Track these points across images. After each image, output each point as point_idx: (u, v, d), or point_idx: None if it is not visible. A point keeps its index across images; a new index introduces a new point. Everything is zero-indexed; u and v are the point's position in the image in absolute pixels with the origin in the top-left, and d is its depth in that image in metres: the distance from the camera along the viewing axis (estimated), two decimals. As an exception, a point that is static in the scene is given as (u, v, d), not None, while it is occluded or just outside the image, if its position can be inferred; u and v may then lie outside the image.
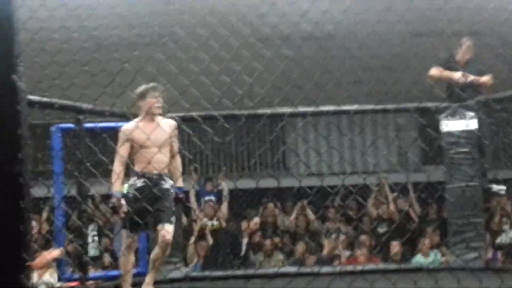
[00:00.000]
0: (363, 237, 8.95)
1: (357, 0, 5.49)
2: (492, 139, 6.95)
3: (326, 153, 9.43)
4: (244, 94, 4.95)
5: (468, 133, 7.02)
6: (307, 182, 5.73)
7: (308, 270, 7.77)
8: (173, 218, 5.58)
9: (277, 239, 9.23)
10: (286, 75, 4.88)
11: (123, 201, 5.42)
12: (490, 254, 8.19)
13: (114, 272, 7.27)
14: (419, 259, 8.56)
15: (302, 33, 4.87)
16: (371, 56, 4.84)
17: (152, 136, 5.43)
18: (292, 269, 7.88)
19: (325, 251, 8.91)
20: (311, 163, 10.19)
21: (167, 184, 5.59)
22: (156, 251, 5.54)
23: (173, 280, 7.12)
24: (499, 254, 8.64)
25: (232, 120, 6.58)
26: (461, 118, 6.91)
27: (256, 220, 9.41)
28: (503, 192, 8.20)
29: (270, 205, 9.72)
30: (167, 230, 5.43)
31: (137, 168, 5.56)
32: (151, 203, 5.42)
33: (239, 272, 7.51)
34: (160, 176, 5.54)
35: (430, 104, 6.40)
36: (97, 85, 4.88)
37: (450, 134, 7.02)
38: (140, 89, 5.57)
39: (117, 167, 5.50)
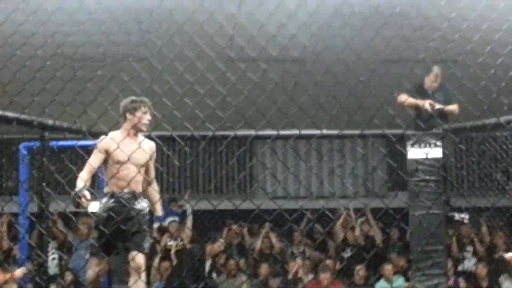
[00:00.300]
0: (327, 261, 8.95)
1: (325, 26, 5.51)
2: (456, 167, 7.01)
3: (293, 176, 9.46)
4: (207, 117, 4.89)
5: (432, 160, 7.06)
6: (273, 204, 5.69)
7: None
8: (146, 243, 5.31)
9: (241, 261, 9.18)
10: (250, 99, 4.85)
11: (86, 193, 4.98)
12: (451, 281, 8.23)
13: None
14: (382, 284, 8.57)
15: (269, 56, 4.86)
16: (338, 82, 4.84)
17: (130, 153, 5.11)
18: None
19: (289, 274, 8.88)
20: (276, 187, 10.20)
21: (140, 204, 5.32)
22: (131, 282, 5.17)
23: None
24: (461, 281, 8.70)
25: (197, 141, 6.54)
26: (426, 146, 6.96)
27: (221, 242, 9.36)
28: (465, 221, 8.28)
29: (234, 226, 9.69)
30: (138, 257, 5.16)
31: (109, 186, 5.26)
32: (123, 224, 5.15)
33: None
34: (133, 196, 5.26)
35: (395, 131, 6.43)
36: (60, 103, 4.82)
37: (414, 161, 7.05)
38: (130, 102, 5.26)
39: (84, 175, 5.11)
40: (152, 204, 5.52)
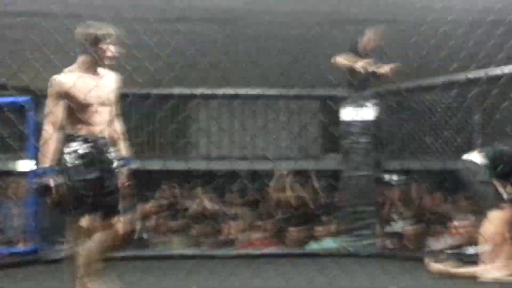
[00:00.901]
0: (260, 222, 9.01)
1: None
2: (388, 129, 7.10)
3: (227, 137, 9.39)
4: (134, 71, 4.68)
5: (364, 122, 7.12)
6: (206, 165, 5.62)
7: (203, 253, 7.82)
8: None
9: (174, 222, 9.16)
10: (182, 54, 4.72)
11: (52, 182, 4.08)
12: (380, 242, 8.40)
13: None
14: (312, 246, 8.66)
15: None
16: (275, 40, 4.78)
17: (97, 91, 4.25)
18: (189, 252, 7.93)
19: (222, 235, 8.91)
20: (210, 147, 10.13)
21: (114, 152, 4.39)
22: (91, 247, 4.18)
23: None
24: (389, 242, 8.88)
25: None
26: (359, 108, 6.99)
27: (152, 202, 9.29)
28: (394, 182, 8.43)
29: (165, 187, 9.63)
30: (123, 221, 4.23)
31: (75, 130, 4.27)
32: (101, 174, 4.23)
33: (134, 253, 7.39)
34: (107, 141, 4.35)
35: (328, 92, 6.45)
36: None
37: (347, 123, 7.10)
38: (94, 31, 4.28)
39: (49, 132, 4.18)
40: (119, 146, 4.53)
